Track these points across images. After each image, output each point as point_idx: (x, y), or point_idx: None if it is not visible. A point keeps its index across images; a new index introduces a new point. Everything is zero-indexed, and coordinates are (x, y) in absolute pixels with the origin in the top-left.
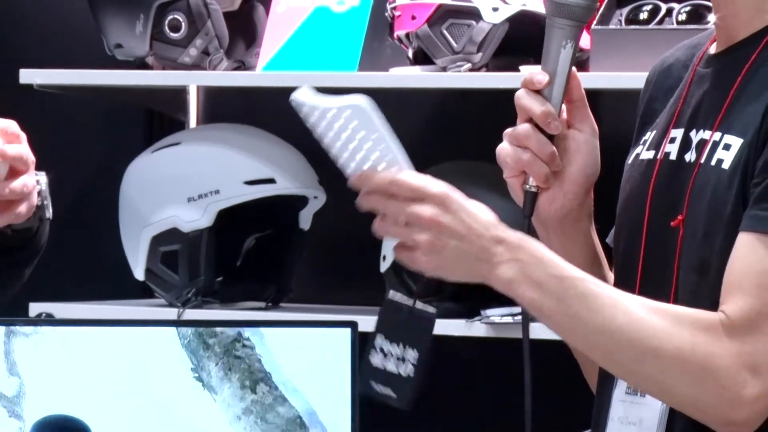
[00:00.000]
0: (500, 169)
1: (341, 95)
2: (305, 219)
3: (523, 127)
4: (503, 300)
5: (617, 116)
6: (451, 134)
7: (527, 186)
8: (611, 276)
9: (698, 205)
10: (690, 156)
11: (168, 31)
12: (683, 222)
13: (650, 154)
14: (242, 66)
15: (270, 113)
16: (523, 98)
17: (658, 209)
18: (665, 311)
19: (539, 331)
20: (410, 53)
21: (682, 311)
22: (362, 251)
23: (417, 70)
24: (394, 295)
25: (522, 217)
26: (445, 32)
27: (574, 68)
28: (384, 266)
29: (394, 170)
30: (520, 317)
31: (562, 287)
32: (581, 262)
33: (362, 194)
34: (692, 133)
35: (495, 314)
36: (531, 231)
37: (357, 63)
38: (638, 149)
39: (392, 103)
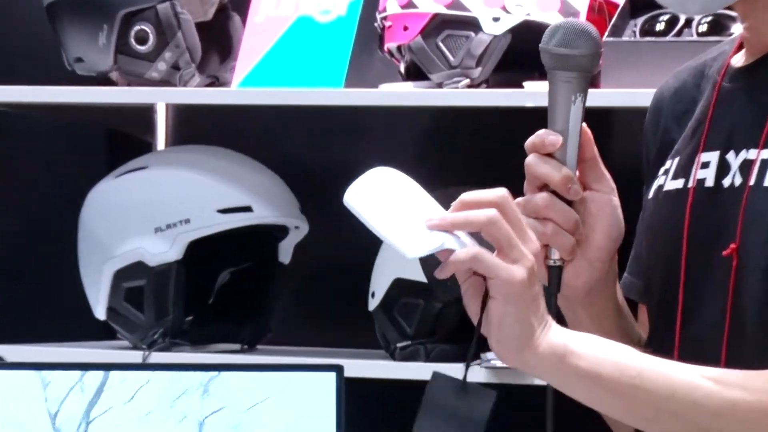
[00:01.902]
0: None
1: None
2: (285, 251)
3: (541, 197)
4: None
5: (631, 136)
6: (447, 157)
7: (551, 261)
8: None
9: (756, 232)
10: (731, 180)
11: (134, 43)
12: (737, 251)
13: (678, 184)
14: (216, 82)
15: (247, 134)
16: (536, 165)
17: (699, 241)
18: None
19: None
20: (402, 68)
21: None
22: (348, 287)
23: (409, 86)
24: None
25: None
26: (441, 45)
27: (583, 124)
28: (373, 304)
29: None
30: None
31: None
32: (614, 332)
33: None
34: (730, 155)
35: (496, 358)
36: (558, 311)
37: (343, 78)
38: (659, 181)
39: (382, 123)
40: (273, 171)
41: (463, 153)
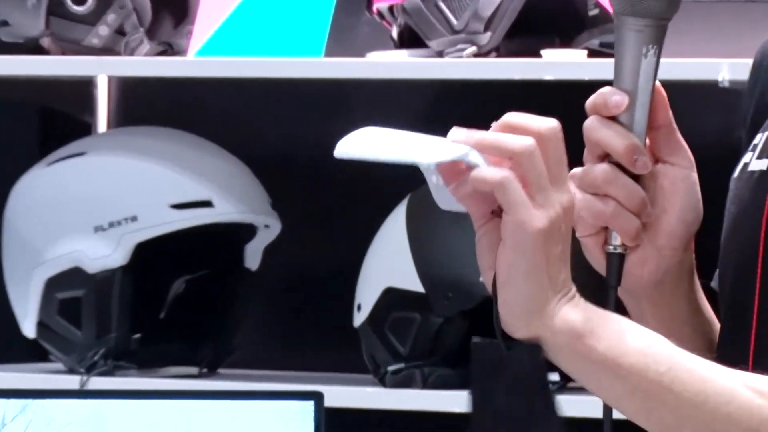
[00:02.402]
0: None
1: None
2: (253, 255)
3: (601, 169)
4: None
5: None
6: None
7: (610, 247)
8: None
9: None
10: None
11: (70, 2)
12: None
13: (762, 164)
14: (169, 50)
15: (206, 114)
16: (596, 129)
17: None
18: None
19: (567, 407)
20: (395, 33)
21: None
22: (329, 299)
23: (404, 55)
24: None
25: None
26: (442, 4)
27: (658, 83)
28: (359, 318)
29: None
30: None
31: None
32: (690, 338)
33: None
34: None
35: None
36: (618, 306)
37: (323, 46)
38: (746, 157)
39: (370, 99)
40: (238, 158)
41: None
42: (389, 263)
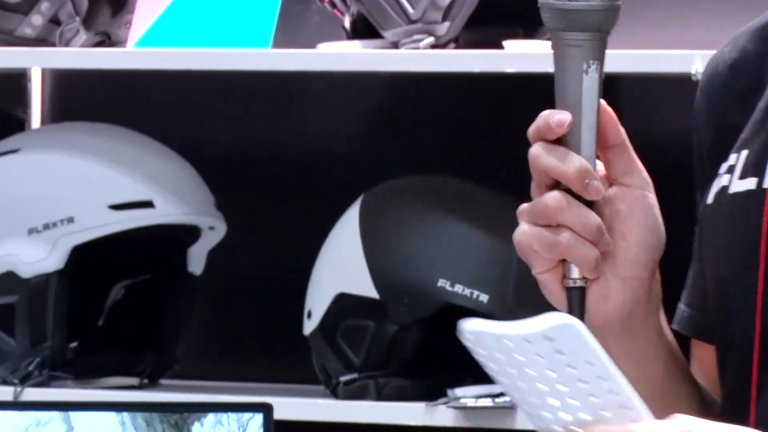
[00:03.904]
0: (473, 187)
1: (531, 318)
2: (197, 259)
3: (551, 196)
4: (479, 375)
5: (643, 111)
6: (405, 137)
7: (570, 281)
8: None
9: None
10: None
11: None
12: None
13: (749, 184)
14: (107, 41)
15: (147, 109)
16: (542, 156)
17: None
18: None
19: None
20: (347, 22)
21: None
22: (278, 305)
23: (357, 46)
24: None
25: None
26: None
27: (602, 102)
28: (309, 326)
29: (629, 415)
30: (501, 399)
31: None
32: (659, 371)
33: None
34: None
35: (467, 395)
36: None
37: (271, 37)
38: (721, 181)
39: (321, 93)
40: (180, 155)
41: (425, 131)
42: (341, 267)
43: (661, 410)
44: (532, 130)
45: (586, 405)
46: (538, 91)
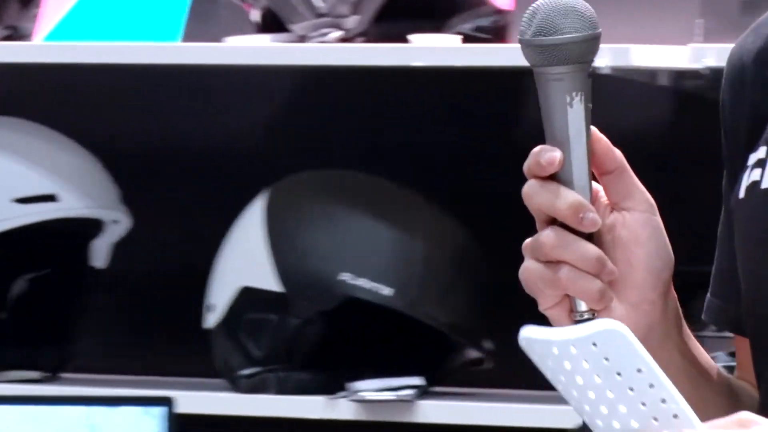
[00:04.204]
0: (378, 181)
1: (580, 324)
2: (100, 253)
3: (546, 236)
4: (380, 369)
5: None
6: (312, 131)
7: (576, 314)
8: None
9: None
10: None
11: None
12: None
13: None
14: (14, 34)
15: (53, 102)
16: (535, 194)
17: None
18: None
19: (431, 413)
20: (255, 16)
21: None
22: (181, 299)
23: (265, 39)
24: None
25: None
26: None
27: (594, 129)
28: (211, 320)
29: (678, 423)
30: (402, 392)
31: None
32: (684, 390)
33: None
34: None
35: (368, 388)
36: None
37: (180, 31)
38: (753, 175)
39: (229, 87)
40: (85, 149)
41: (332, 125)
42: (245, 261)
43: None
44: (525, 168)
45: (636, 413)
46: (444, 84)
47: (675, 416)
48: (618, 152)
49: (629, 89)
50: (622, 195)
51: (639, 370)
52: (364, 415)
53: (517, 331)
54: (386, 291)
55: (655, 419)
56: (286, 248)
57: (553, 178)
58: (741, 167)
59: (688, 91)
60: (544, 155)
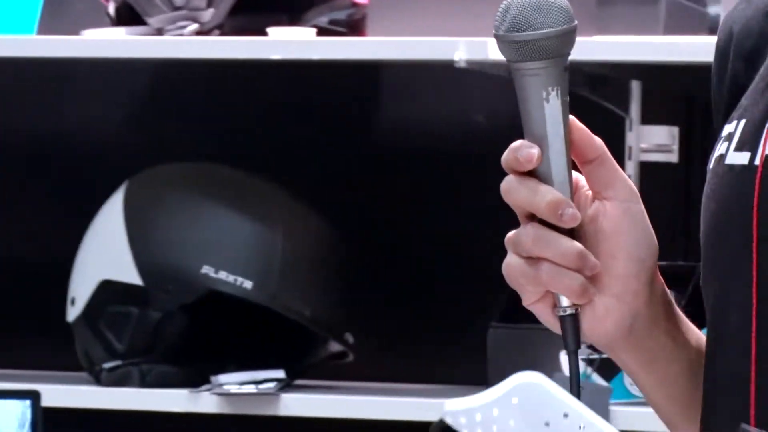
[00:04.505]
0: (238, 174)
1: (496, 385)
2: None
3: (525, 232)
4: (243, 362)
5: (407, 96)
6: (170, 123)
7: (559, 309)
8: None
9: None
10: None
11: None
12: None
13: (743, 158)
14: None
15: None
16: (514, 190)
17: None
18: None
19: (293, 406)
20: (112, 9)
21: None
22: (43, 292)
23: (121, 32)
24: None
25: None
26: None
27: (572, 118)
28: (73, 313)
29: None
30: (264, 386)
31: None
32: (678, 374)
33: None
34: None
35: (231, 381)
36: (578, 370)
37: (35, 23)
38: (720, 148)
39: (86, 80)
40: None
41: (191, 118)
42: (105, 254)
43: (686, 413)
44: (503, 162)
45: None
46: (302, 77)
47: None
48: (599, 141)
49: (486, 83)
50: (604, 184)
51: (565, 415)
52: (227, 409)
53: (378, 325)
54: (247, 284)
55: None
56: (146, 241)
57: (532, 173)
58: (719, 139)
59: None
60: (522, 151)
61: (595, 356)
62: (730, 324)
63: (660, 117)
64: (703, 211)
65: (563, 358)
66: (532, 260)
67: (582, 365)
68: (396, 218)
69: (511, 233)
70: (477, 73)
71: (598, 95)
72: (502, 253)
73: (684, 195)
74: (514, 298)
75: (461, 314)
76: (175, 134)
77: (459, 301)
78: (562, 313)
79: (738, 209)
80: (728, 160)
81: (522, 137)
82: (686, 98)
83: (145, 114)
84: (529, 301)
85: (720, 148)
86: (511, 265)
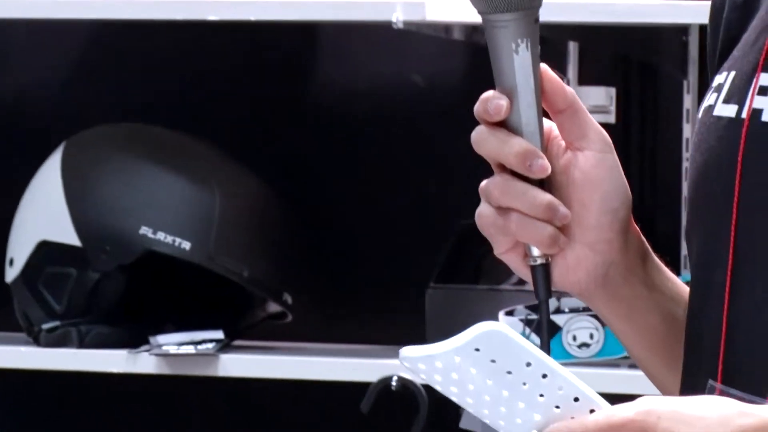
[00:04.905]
0: (176, 136)
1: (458, 334)
2: None
3: (494, 182)
4: (182, 323)
5: (343, 53)
6: (108, 84)
7: (530, 259)
8: None
9: None
10: None
11: None
12: None
13: (730, 110)
14: None
15: None
16: (484, 141)
17: (755, 195)
18: None
19: (231, 367)
20: None
21: None
22: None
23: None
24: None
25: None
26: None
27: (545, 67)
28: (11, 274)
29: (581, 405)
30: (203, 347)
31: None
32: (655, 322)
33: None
34: None
35: (169, 342)
36: (549, 319)
37: None
38: (709, 99)
39: (22, 41)
40: None
41: (128, 78)
42: (43, 215)
43: (668, 365)
44: (475, 113)
45: (535, 405)
46: (239, 39)
47: (576, 399)
48: (570, 90)
49: (423, 43)
50: (576, 134)
51: (528, 364)
52: (166, 369)
53: (317, 285)
54: (185, 245)
55: (557, 407)
56: (84, 202)
57: (503, 124)
58: (709, 89)
59: (482, 45)
60: (491, 103)
61: (533, 317)
62: (709, 278)
63: (597, 78)
64: (690, 161)
65: (502, 317)
66: (503, 210)
67: (520, 326)
68: (333, 179)
69: (484, 182)
70: (414, 33)
71: None
72: (440, 212)
73: (622, 155)
74: (452, 258)
75: (400, 275)
76: (112, 96)
77: (397, 262)
78: (532, 263)
79: (722, 163)
80: (716, 112)
81: (452, 98)
82: (623, 59)
83: (83, 75)
84: (500, 250)
85: (709, 99)
86: (483, 214)
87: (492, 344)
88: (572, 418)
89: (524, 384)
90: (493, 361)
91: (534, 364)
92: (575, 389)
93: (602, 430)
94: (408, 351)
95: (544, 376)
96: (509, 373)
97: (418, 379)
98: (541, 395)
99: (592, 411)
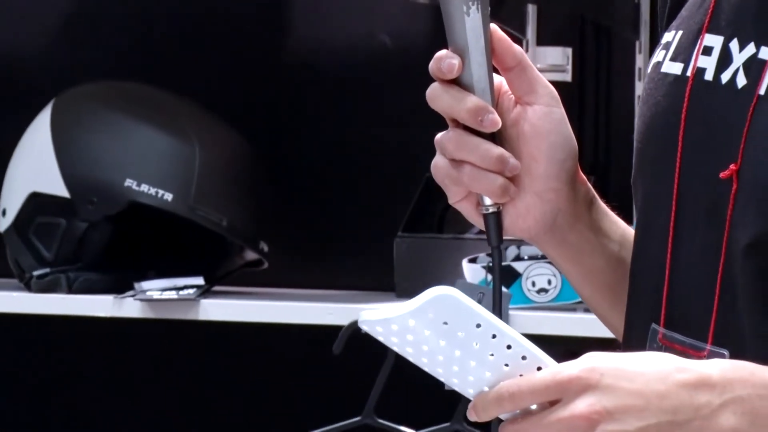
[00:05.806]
0: (159, 93)
1: (413, 298)
2: None
3: (447, 136)
4: (164, 270)
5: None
6: (98, 42)
7: (483, 208)
8: None
9: (762, 154)
10: (732, 76)
11: None
12: (737, 174)
13: (676, 68)
14: None
15: None
16: (437, 97)
17: (697, 151)
18: None
19: (211, 311)
20: None
21: None
22: None
23: None
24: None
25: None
26: None
27: (494, 27)
28: (4, 224)
29: (528, 362)
30: (185, 292)
31: None
32: (603, 264)
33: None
34: (733, 45)
35: (153, 288)
36: (500, 264)
37: None
38: (657, 55)
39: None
40: None
41: (119, 36)
42: (34, 168)
43: (614, 306)
44: (430, 71)
45: (486, 364)
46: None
47: (524, 357)
48: (518, 48)
49: (391, 4)
50: (525, 90)
51: (478, 325)
52: (150, 313)
53: (292, 234)
54: (167, 196)
55: (506, 365)
56: (72, 156)
57: (456, 81)
58: (658, 45)
59: None
60: (444, 62)
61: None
62: (653, 226)
63: (554, 38)
64: (638, 114)
65: (465, 265)
66: (456, 162)
67: (482, 272)
68: (306, 133)
69: (438, 135)
70: None
71: (496, 18)
72: (407, 166)
73: (577, 113)
74: (419, 209)
75: (370, 224)
76: (101, 53)
77: (368, 212)
78: (485, 211)
79: (668, 118)
80: (663, 69)
81: (417, 57)
82: (579, 20)
83: (73, 32)
84: (454, 199)
85: (658, 55)
86: (438, 165)
87: (444, 307)
88: (521, 375)
89: (475, 344)
90: (445, 323)
91: (483, 325)
92: (523, 348)
93: (548, 387)
94: (366, 315)
95: (494, 336)
96: (461, 334)
97: None
98: (492, 354)
99: (539, 368)
